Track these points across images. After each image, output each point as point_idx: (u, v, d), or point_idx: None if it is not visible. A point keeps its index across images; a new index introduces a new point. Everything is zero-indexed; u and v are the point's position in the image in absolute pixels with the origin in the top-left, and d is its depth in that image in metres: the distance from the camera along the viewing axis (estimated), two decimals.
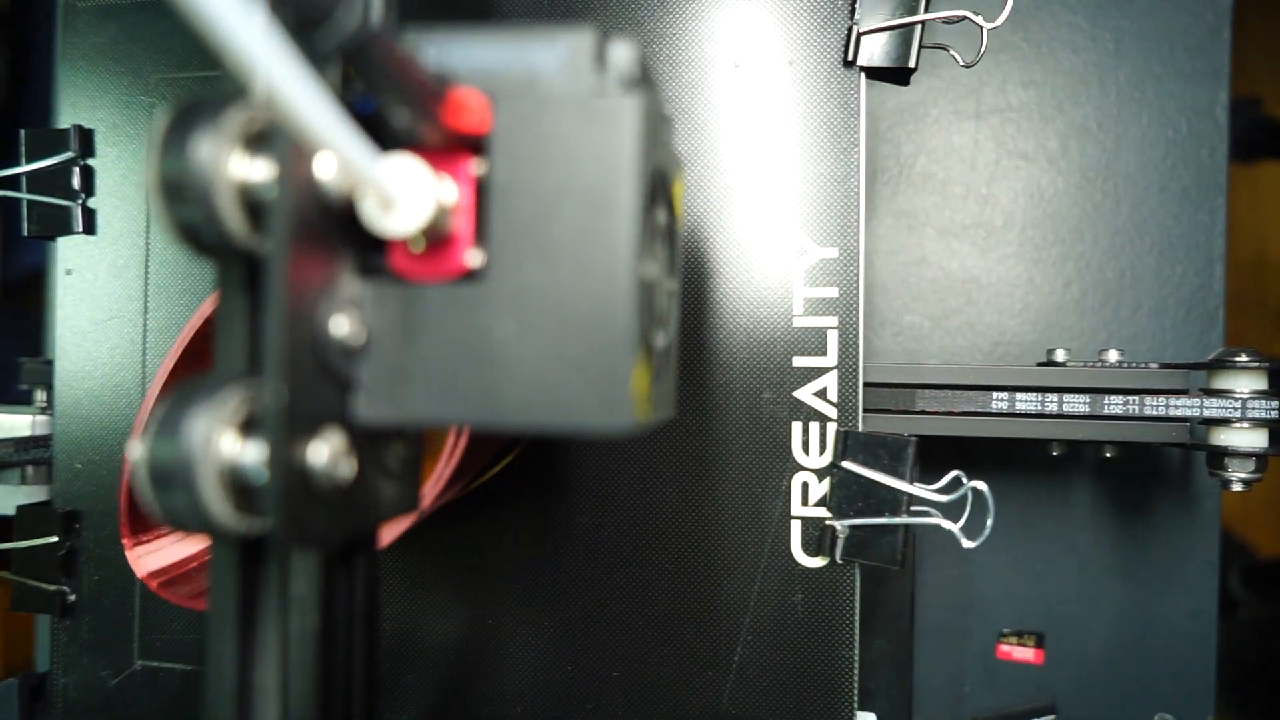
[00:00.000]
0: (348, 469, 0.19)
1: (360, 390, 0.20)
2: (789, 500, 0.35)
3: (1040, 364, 0.40)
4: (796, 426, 0.35)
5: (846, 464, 0.34)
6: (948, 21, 0.34)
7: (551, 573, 0.37)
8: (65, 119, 0.41)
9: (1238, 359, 0.36)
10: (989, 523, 0.33)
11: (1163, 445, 0.35)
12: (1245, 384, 0.36)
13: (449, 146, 0.20)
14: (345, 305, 0.19)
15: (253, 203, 0.18)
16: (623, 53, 0.20)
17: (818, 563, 0.35)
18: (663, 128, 0.23)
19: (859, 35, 0.34)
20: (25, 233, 0.41)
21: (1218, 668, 0.48)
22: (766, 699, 0.36)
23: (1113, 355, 0.39)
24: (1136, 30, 0.48)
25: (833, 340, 0.35)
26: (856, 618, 0.35)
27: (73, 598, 0.41)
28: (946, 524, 0.33)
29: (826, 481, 0.35)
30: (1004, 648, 0.48)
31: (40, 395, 0.46)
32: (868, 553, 0.34)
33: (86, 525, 0.41)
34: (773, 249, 0.36)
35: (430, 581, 0.38)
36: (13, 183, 0.41)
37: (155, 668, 0.40)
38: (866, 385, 0.36)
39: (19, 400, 0.47)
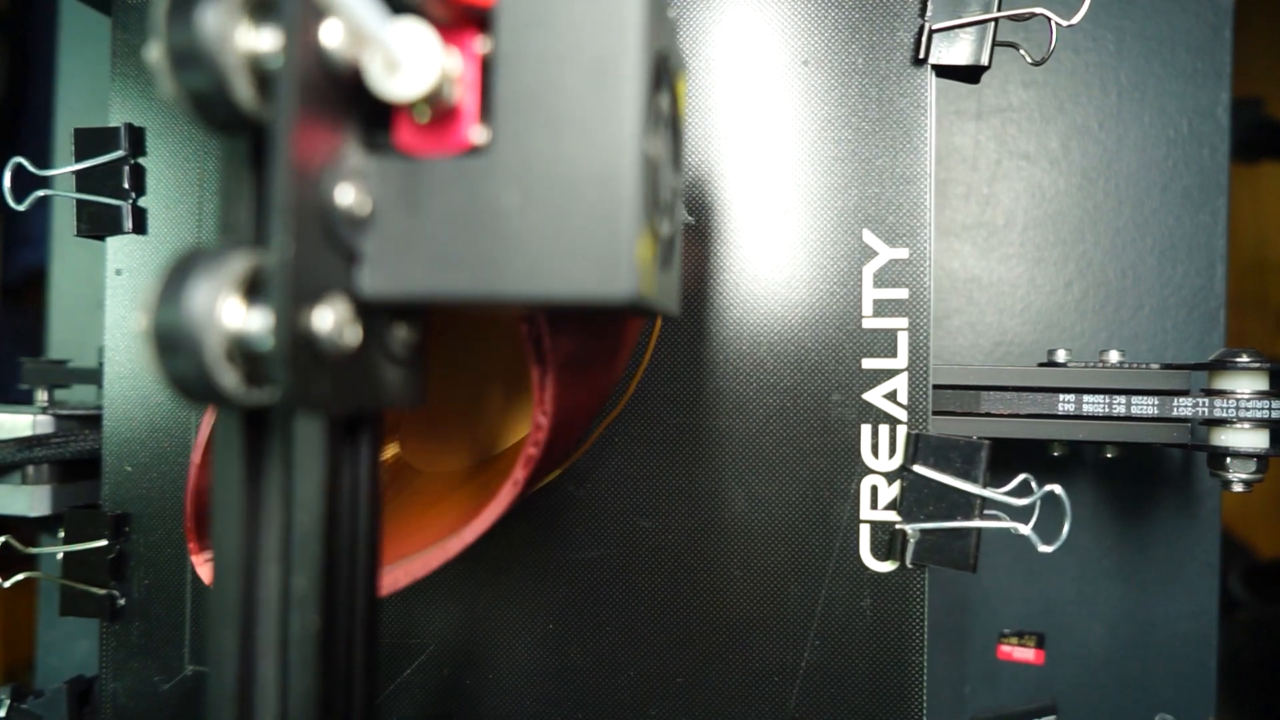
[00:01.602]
0: (352, 336, 0.20)
1: (365, 262, 0.20)
2: (858, 504, 0.35)
3: (1041, 364, 0.40)
4: (866, 429, 0.35)
5: (917, 467, 0.34)
6: (1017, 19, 0.34)
7: (613, 578, 0.37)
8: (115, 117, 0.40)
9: (1239, 359, 0.36)
10: (1066, 527, 0.32)
11: (1163, 446, 0.35)
12: (1246, 384, 0.36)
13: (455, 21, 0.20)
14: (351, 176, 0.20)
15: (260, 73, 0.18)
16: None
17: (887, 567, 0.35)
18: (665, 15, 0.23)
19: (930, 33, 0.34)
20: (76, 233, 0.40)
21: (1218, 668, 0.48)
22: (834, 706, 0.35)
23: (1114, 356, 0.39)
24: (1138, 30, 0.48)
25: (903, 342, 0.35)
26: (926, 623, 0.35)
27: (122, 602, 0.40)
28: (1023, 529, 0.33)
29: (896, 485, 0.35)
30: (1004, 648, 0.48)
31: (41, 395, 0.46)
32: (939, 557, 0.34)
33: (136, 529, 0.40)
34: (841, 250, 0.35)
35: (488, 587, 0.37)
36: (45, 182, 0.41)
37: (208, 673, 0.40)
38: (935, 387, 0.36)
39: (19, 400, 0.46)
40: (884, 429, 0.35)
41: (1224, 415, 0.35)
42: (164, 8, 0.17)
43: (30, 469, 0.43)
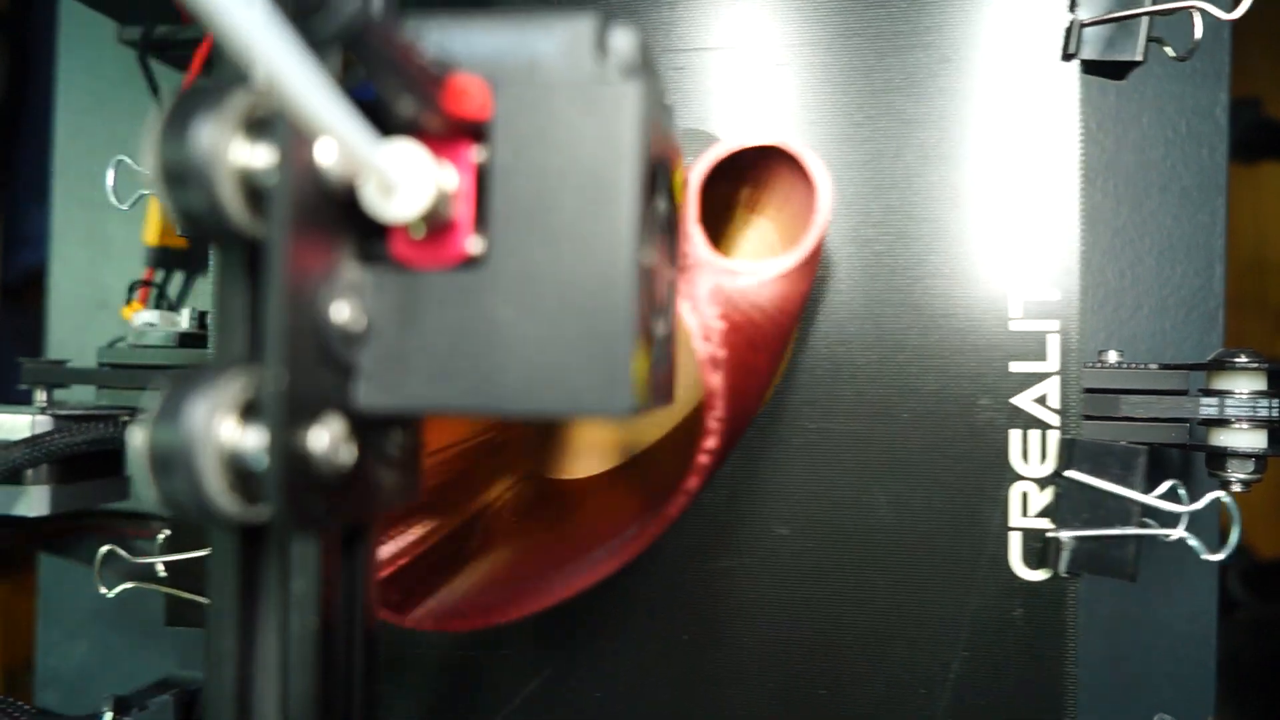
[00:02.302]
0: (348, 455, 0.19)
1: (361, 376, 0.20)
2: (1008, 511, 0.34)
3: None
4: (1015, 434, 0.34)
5: (1072, 473, 0.33)
6: (1165, 14, 0.33)
7: (750, 587, 0.36)
8: None
9: (1238, 360, 0.35)
10: (1235, 534, 0.32)
11: (1162, 446, 0.35)
12: (1245, 385, 0.35)
13: (450, 133, 0.20)
14: (346, 291, 0.19)
15: (254, 188, 0.18)
16: (623, 40, 0.20)
17: (1039, 575, 0.34)
18: (664, 115, 0.23)
19: (1080, 27, 0.33)
20: (180, 232, 0.40)
21: (1218, 668, 0.48)
22: (984, 718, 0.34)
23: (1112, 356, 0.39)
24: None
25: (1053, 344, 0.34)
26: (1080, 633, 0.34)
27: None
28: (1189, 537, 0.32)
29: (1049, 491, 0.34)
30: None
31: (40, 395, 0.45)
32: (1096, 565, 0.33)
33: None
34: (986, 250, 0.35)
35: (618, 596, 0.37)
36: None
37: None
38: (1086, 391, 0.35)
39: (19, 400, 0.45)
40: (1034, 434, 0.34)
41: (1223, 415, 0.35)
42: (158, 124, 0.17)
43: (29, 470, 0.42)
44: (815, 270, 0.30)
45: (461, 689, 0.38)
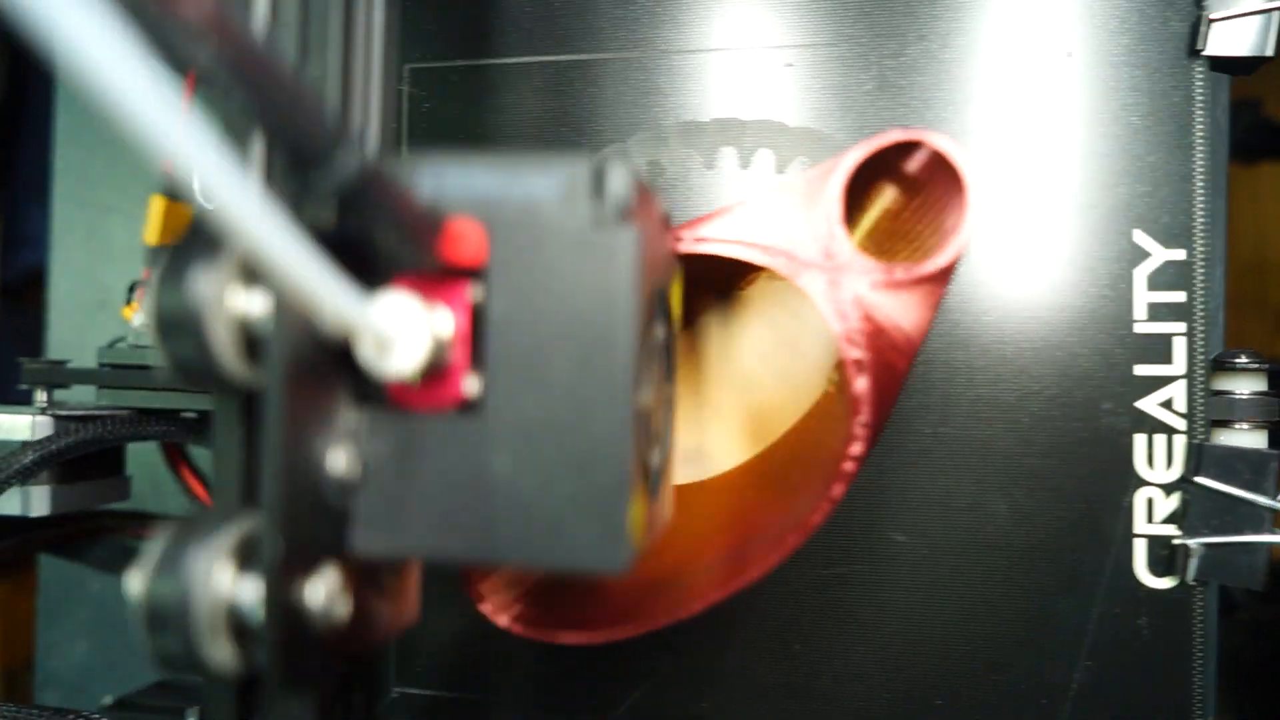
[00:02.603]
0: (344, 608, 0.19)
1: (356, 521, 0.20)
2: (1132, 517, 0.34)
3: None
4: (1139, 439, 0.34)
5: (1200, 479, 0.32)
6: None
7: (863, 595, 0.35)
8: None
9: (1238, 360, 0.35)
10: None
11: None
12: (1245, 385, 0.35)
13: (445, 272, 0.19)
14: (342, 439, 0.20)
15: (250, 337, 0.18)
16: (619, 182, 0.20)
17: (1165, 583, 0.33)
18: (663, 239, 0.23)
19: (1209, 22, 0.33)
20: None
21: (1218, 668, 0.48)
22: None
23: (1243, 358, 0.38)
24: None
25: (1179, 347, 0.33)
26: (1211, 642, 0.33)
27: None
28: None
29: (1175, 497, 0.33)
30: None
31: (41, 395, 0.44)
32: (1225, 573, 0.32)
33: None
34: (1110, 251, 0.34)
35: (721, 606, 0.35)
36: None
37: (414, 694, 0.38)
38: (1212, 394, 0.34)
39: (19, 400, 0.44)
40: (1159, 438, 0.33)
41: (1223, 416, 0.35)
42: (156, 274, 0.17)
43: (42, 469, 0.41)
44: (955, 270, 0.30)
45: (565, 697, 0.37)
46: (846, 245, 0.27)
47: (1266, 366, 0.34)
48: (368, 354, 0.18)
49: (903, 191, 0.31)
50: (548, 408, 0.19)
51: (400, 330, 0.18)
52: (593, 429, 0.19)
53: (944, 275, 0.28)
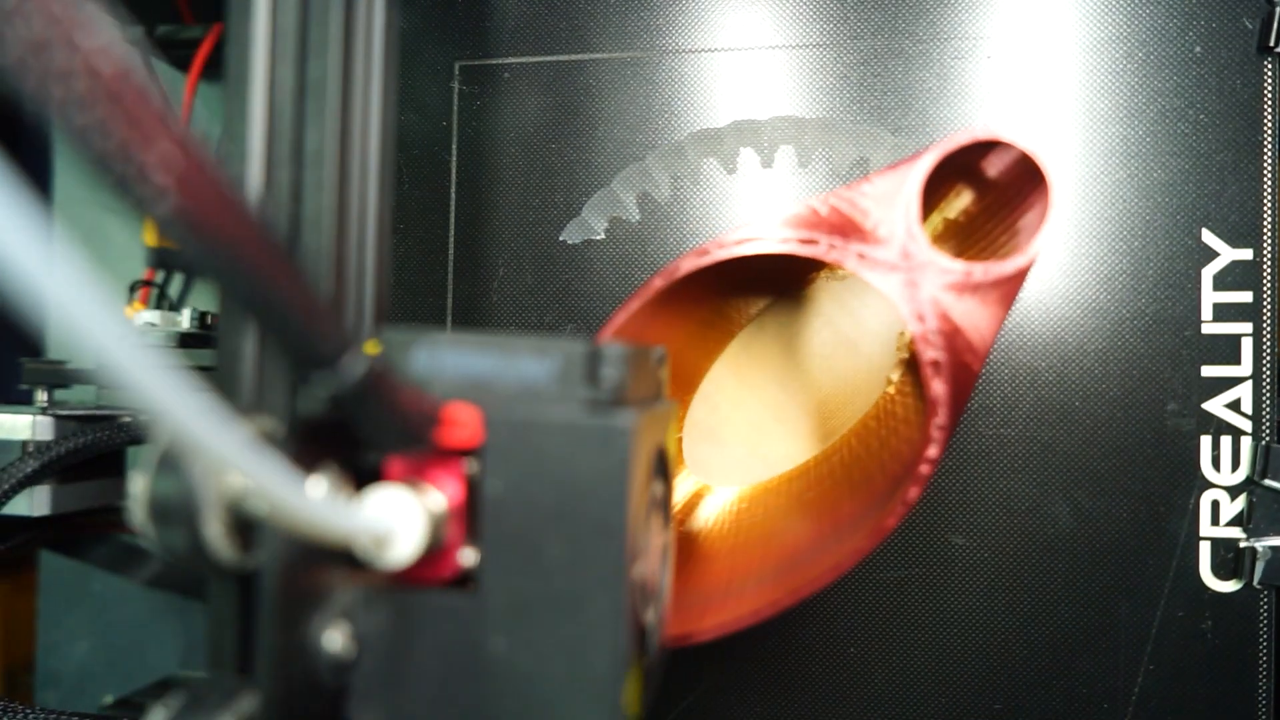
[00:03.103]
0: None
1: (353, 694, 0.19)
2: (1197, 520, 0.33)
3: None
4: (1205, 440, 0.33)
5: (1268, 481, 0.32)
6: None
7: (922, 598, 0.35)
8: None
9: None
10: None
11: None
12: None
13: (440, 452, 0.19)
14: (338, 617, 0.19)
15: (243, 521, 0.17)
16: (613, 370, 0.19)
17: (1230, 587, 0.33)
18: (658, 406, 0.22)
19: None
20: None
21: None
22: None
23: None
24: None
25: (1246, 348, 0.33)
26: (1275, 646, 0.33)
27: None
28: None
29: (1241, 500, 0.33)
30: None
31: (41, 395, 0.44)
32: None
33: None
34: (1177, 250, 0.33)
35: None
36: None
37: None
38: None
39: (19, 400, 0.45)
40: (1225, 440, 0.33)
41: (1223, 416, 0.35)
42: (151, 462, 0.16)
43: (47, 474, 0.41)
44: (1030, 270, 0.30)
45: None
46: (925, 246, 0.27)
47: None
48: (365, 550, 0.18)
49: (975, 192, 0.31)
50: (543, 586, 0.19)
51: (396, 524, 0.18)
52: (589, 611, 0.19)
53: (1021, 276, 0.27)
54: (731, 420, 0.35)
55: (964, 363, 0.27)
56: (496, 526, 0.19)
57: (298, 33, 0.21)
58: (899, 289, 0.27)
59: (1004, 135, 0.27)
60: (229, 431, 0.13)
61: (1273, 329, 0.33)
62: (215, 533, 0.16)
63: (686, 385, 0.35)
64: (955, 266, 0.27)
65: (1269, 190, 0.33)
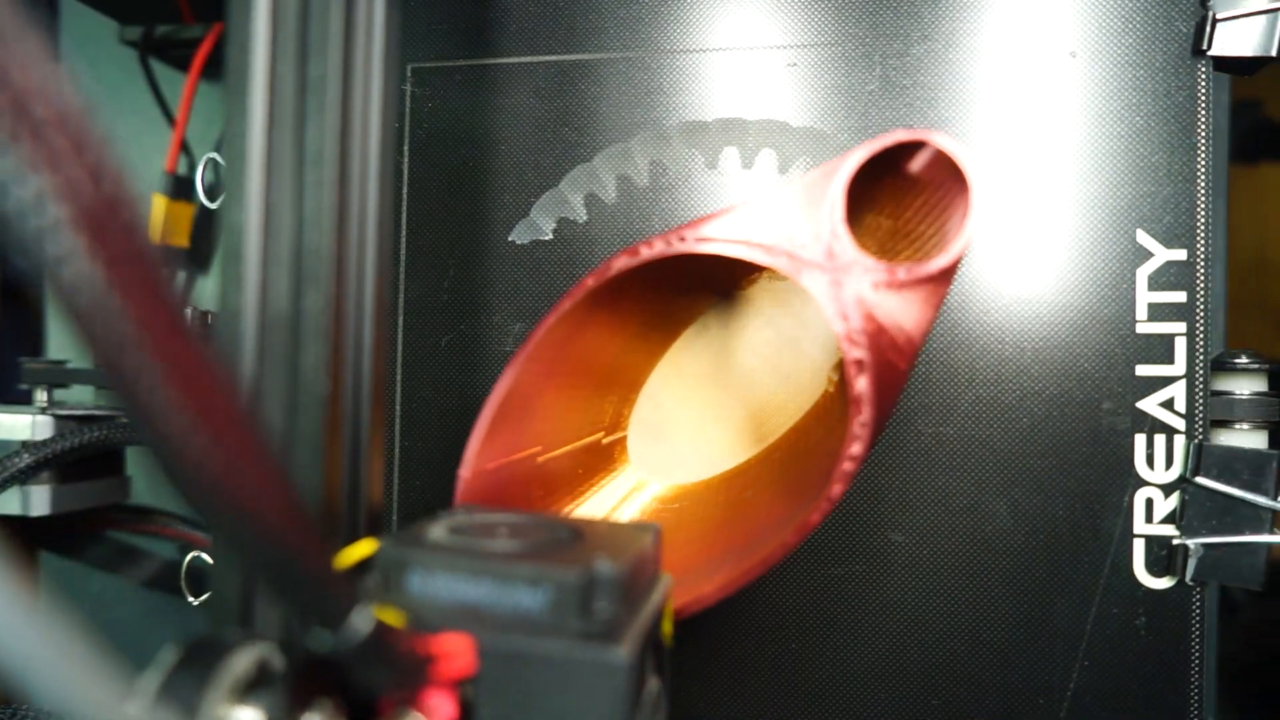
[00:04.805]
0: None
1: None
2: (1131, 517, 0.34)
3: None
4: (1140, 439, 0.33)
5: (1200, 479, 0.32)
6: None
7: (861, 594, 0.35)
8: None
9: (1238, 360, 0.35)
10: None
11: None
12: (1246, 385, 0.35)
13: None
14: None
15: None
16: (607, 597, 0.20)
17: (1164, 583, 0.33)
18: (656, 606, 0.22)
19: (1214, 22, 0.33)
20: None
21: (1218, 669, 0.48)
22: None
23: (1243, 359, 0.38)
24: None
25: (1180, 347, 0.33)
26: (1208, 643, 0.33)
27: None
28: None
29: (1175, 497, 0.33)
30: None
31: (41, 395, 0.44)
32: (1224, 573, 0.32)
33: None
34: (1113, 251, 0.34)
35: (717, 606, 0.36)
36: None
37: None
38: (1214, 395, 0.34)
39: (19, 400, 0.45)
40: (1159, 438, 0.33)
41: (1224, 416, 0.35)
42: (153, 693, 0.16)
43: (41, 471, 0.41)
44: (957, 270, 0.30)
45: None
46: (849, 245, 0.27)
47: (1267, 367, 0.34)
48: None
49: (906, 192, 0.31)
50: None
51: None
52: None
53: (946, 275, 0.28)
54: (675, 418, 0.36)
55: (889, 361, 0.28)
56: None
57: (298, 32, 0.21)
58: (824, 288, 0.27)
59: (926, 136, 0.27)
60: None
61: (1206, 329, 0.33)
62: None
63: (631, 384, 0.36)
64: (878, 266, 0.27)
65: (1203, 192, 0.33)
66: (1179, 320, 0.33)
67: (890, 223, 0.32)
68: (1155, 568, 0.34)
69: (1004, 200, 0.35)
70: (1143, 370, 0.34)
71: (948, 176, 0.28)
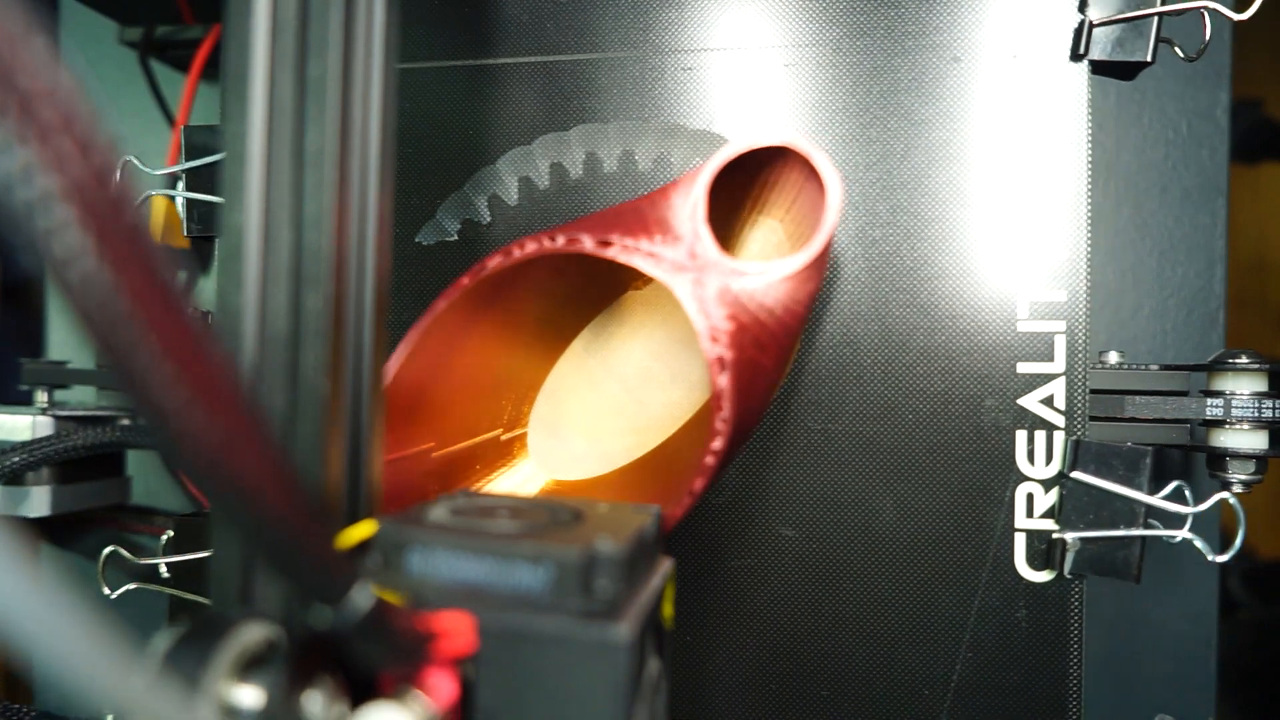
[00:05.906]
0: None
1: None
2: (1013, 512, 0.34)
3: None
4: (1021, 435, 0.34)
5: (1078, 474, 0.33)
6: (1175, 14, 0.33)
7: (754, 587, 0.36)
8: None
9: (1238, 360, 0.36)
10: (1240, 536, 0.32)
11: (1163, 447, 0.35)
12: (1245, 385, 0.36)
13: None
14: None
15: None
16: (608, 576, 0.20)
17: (1043, 577, 0.34)
18: (657, 589, 0.22)
19: (1090, 27, 0.33)
20: (186, 232, 0.39)
21: (1218, 669, 0.48)
22: (987, 719, 0.34)
23: (1113, 357, 0.39)
24: None
25: (1060, 345, 0.34)
26: (1084, 634, 0.34)
27: None
28: (1193, 538, 0.32)
29: (1054, 492, 0.34)
30: None
31: (41, 395, 0.45)
32: (1100, 566, 0.33)
33: None
34: (995, 251, 0.34)
35: None
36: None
37: None
38: (1092, 392, 0.35)
39: (19, 401, 0.46)
40: (1040, 435, 0.34)
41: (1223, 416, 0.35)
42: (158, 662, 0.17)
43: (29, 471, 0.42)
44: (824, 271, 0.30)
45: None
46: (711, 246, 0.28)
47: (1267, 367, 0.35)
48: None
49: (766, 191, 0.32)
50: None
51: None
52: None
53: (803, 276, 0.28)
54: (573, 415, 0.37)
55: (751, 358, 0.28)
56: None
57: (298, 32, 0.21)
58: (686, 288, 0.28)
59: (786, 142, 0.28)
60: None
61: (1085, 327, 0.34)
62: None
63: (531, 382, 0.36)
64: (738, 266, 0.28)
65: (1081, 193, 0.34)
66: (1059, 319, 0.34)
67: (791, 227, 0.33)
68: (1035, 561, 0.34)
69: (890, 200, 0.35)
70: (1024, 368, 0.34)
71: (816, 179, 0.29)
